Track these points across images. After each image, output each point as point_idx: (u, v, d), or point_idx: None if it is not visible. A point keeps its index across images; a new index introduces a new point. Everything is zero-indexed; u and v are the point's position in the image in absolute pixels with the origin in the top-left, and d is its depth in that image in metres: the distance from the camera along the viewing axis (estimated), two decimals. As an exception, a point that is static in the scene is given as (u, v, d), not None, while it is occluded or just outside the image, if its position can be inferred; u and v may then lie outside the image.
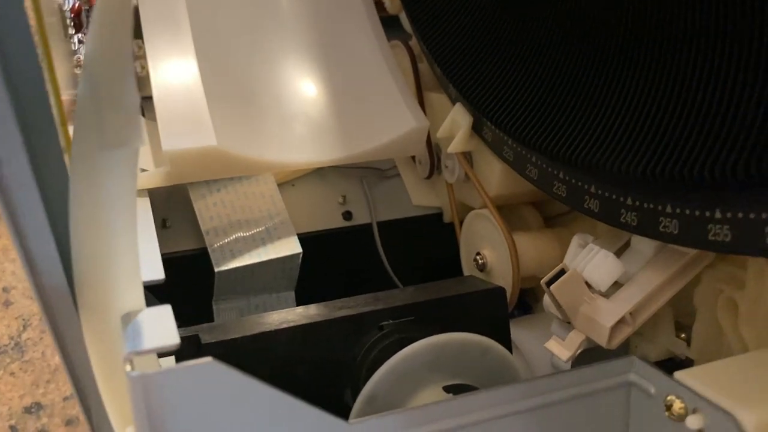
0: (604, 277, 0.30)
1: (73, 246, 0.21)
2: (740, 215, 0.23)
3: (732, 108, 0.22)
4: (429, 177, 0.46)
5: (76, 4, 0.28)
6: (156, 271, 0.28)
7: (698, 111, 0.24)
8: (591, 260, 0.30)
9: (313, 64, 0.45)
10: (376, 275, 0.46)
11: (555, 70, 0.33)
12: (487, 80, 0.37)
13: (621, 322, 0.29)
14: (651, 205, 0.27)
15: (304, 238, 0.42)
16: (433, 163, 0.45)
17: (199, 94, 0.40)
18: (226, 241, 0.41)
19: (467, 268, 0.43)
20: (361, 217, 0.46)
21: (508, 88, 0.35)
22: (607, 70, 0.29)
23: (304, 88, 0.44)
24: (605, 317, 0.29)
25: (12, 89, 0.17)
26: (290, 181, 0.47)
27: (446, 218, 0.47)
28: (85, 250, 0.21)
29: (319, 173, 0.48)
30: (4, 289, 0.50)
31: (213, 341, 0.30)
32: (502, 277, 0.39)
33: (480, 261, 0.40)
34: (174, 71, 0.41)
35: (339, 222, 0.46)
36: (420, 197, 0.47)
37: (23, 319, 0.49)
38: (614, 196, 0.29)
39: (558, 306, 0.30)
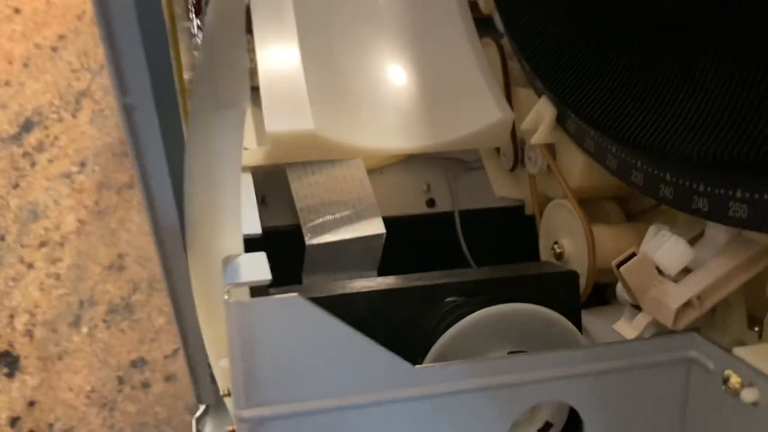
0: (673, 260, 0.30)
1: (186, 192, 0.25)
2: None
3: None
4: (513, 169, 0.48)
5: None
6: (254, 227, 0.31)
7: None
8: (662, 245, 0.31)
9: (405, 56, 0.48)
10: (455, 262, 0.48)
11: (633, 61, 0.34)
12: (570, 72, 0.38)
13: (688, 305, 0.30)
14: (721, 191, 0.28)
15: (388, 221, 0.44)
16: (517, 156, 0.47)
17: (300, 82, 0.43)
18: (318, 219, 0.44)
19: (545, 256, 0.44)
20: (444, 206, 0.49)
21: (589, 78, 0.37)
22: (682, 59, 0.30)
23: (396, 79, 0.47)
24: (672, 299, 0.30)
25: (148, 61, 0.20)
26: (379, 169, 0.50)
27: (528, 210, 0.48)
28: (196, 197, 0.25)
29: (406, 163, 0.51)
30: (119, 255, 0.55)
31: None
32: (579, 266, 0.40)
33: (557, 250, 0.41)
34: (279, 62, 0.45)
35: (422, 208, 0.48)
36: (503, 189, 0.49)
37: (134, 283, 0.54)
38: (687, 183, 0.30)
39: (627, 288, 0.31)
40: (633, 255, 0.32)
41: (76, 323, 0.52)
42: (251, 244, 0.33)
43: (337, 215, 0.44)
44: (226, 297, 0.22)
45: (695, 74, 0.30)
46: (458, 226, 0.48)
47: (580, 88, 0.37)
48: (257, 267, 0.24)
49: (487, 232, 0.48)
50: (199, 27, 0.36)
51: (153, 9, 0.21)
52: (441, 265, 0.48)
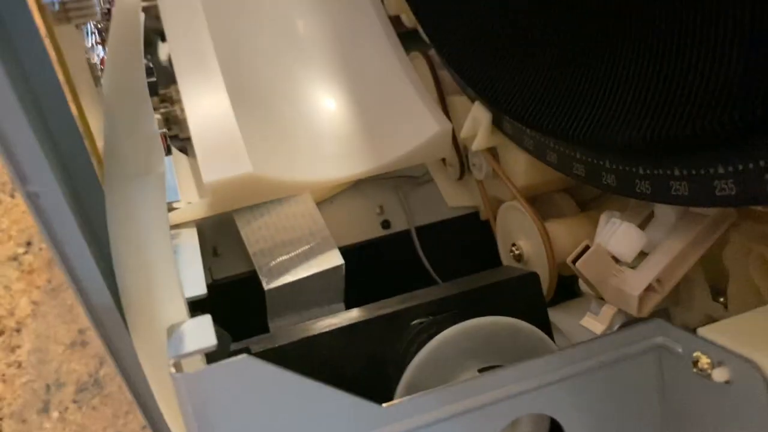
0: (628, 247, 0.30)
1: (116, 267, 0.24)
2: (740, 167, 0.23)
3: (715, 68, 0.23)
4: (461, 178, 0.47)
5: (102, 56, 0.31)
6: (198, 287, 0.30)
7: (690, 73, 0.25)
8: (614, 233, 0.31)
9: (335, 82, 0.47)
10: (420, 279, 0.47)
11: (558, 56, 0.34)
12: (497, 74, 0.38)
13: (649, 289, 0.30)
14: (660, 171, 0.28)
15: (346, 251, 0.44)
16: (463, 164, 0.47)
17: (232, 126, 0.43)
18: (273, 261, 0.43)
19: (506, 262, 0.44)
20: (399, 225, 0.48)
21: (516, 78, 0.36)
22: (604, 47, 0.30)
23: (329, 105, 0.47)
24: (632, 286, 0.29)
25: (49, 136, 0.19)
26: (329, 199, 0.50)
27: (483, 216, 0.48)
28: (127, 271, 0.24)
29: (356, 187, 0.50)
30: (80, 331, 0.54)
31: (261, 350, 0.32)
32: (540, 265, 0.40)
33: (516, 252, 0.41)
34: (207, 108, 0.44)
35: (378, 231, 0.48)
36: (455, 198, 0.49)
37: (99, 357, 0.52)
38: (627, 168, 0.30)
39: (587, 282, 0.31)
40: (587, 248, 0.31)
41: (45, 409, 0.50)
42: (199, 304, 0.32)
43: (292, 254, 0.43)
44: (172, 371, 0.21)
45: (620, 61, 0.30)
46: (417, 244, 0.47)
47: (508, 88, 0.37)
48: (201, 332, 0.23)
49: (446, 245, 0.48)
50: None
51: (47, 82, 0.20)
52: (407, 285, 0.47)
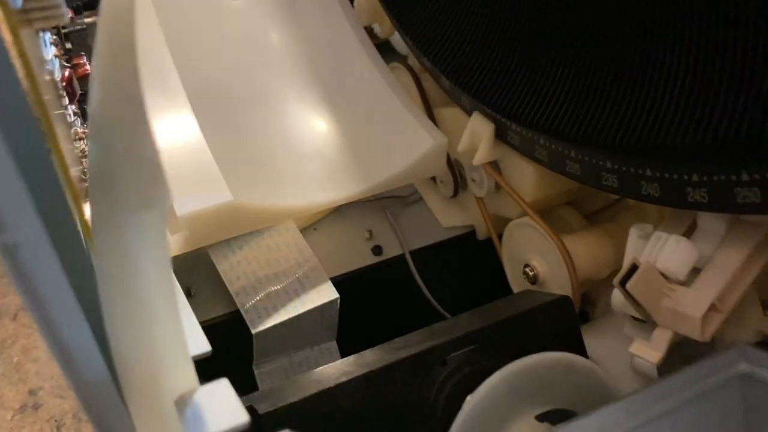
0: (680, 264, 0.27)
1: (109, 330, 0.19)
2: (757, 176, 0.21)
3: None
4: (455, 195, 0.44)
5: (66, 72, 0.26)
6: (201, 344, 0.25)
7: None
8: (662, 249, 0.28)
9: (315, 100, 0.43)
10: (417, 307, 0.43)
11: (560, 58, 0.31)
12: (504, 80, 0.35)
13: (711, 309, 0.26)
14: (722, 177, 0.25)
15: (336, 282, 0.39)
16: (457, 181, 0.43)
17: (204, 151, 0.38)
18: (258, 298, 0.38)
19: (516, 284, 0.40)
20: (391, 250, 0.44)
21: (530, 85, 0.33)
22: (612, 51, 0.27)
23: (312, 126, 0.42)
24: (693, 307, 0.26)
25: (23, 170, 0.15)
26: (312, 225, 0.45)
27: (480, 235, 0.44)
28: (123, 333, 0.19)
29: (340, 212, 0.46)
30: (31, 392, 0.47)
31: (271, 410, 0.27)
32: (559, 286, 0.36)
33: (530, 273, 0.37)
34: (174, 133, 0.39)
35: (369, 258, 0.44)
36: (449, 218, 0.45)
37: (55, 420, 0.46)
38: (677, 176, 0.27)
39: (636, 305, 0.28)
40: (634, 268, 0.28)
41: (-7, 487, 0.43)
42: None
43: (280, 290, 0.39)
44: (197, 460, 0.17)
45: (646, 60, 0.27)
46: (413, 269, 0.43)
47: (520, 98, 0.34)
48: (224, 403, 0.18)
49: (444, 268, 0.44)
50: (76, 113, 0.29)
51: (13, 100, 0.16)
52: (404, 315, 0.43)
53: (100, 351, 0.18)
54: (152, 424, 0.20)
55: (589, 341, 0.36)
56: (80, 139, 0.29)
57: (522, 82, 0.34)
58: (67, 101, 0.28)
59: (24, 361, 0.48)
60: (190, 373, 0.20)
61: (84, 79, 0.29)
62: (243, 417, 0.17)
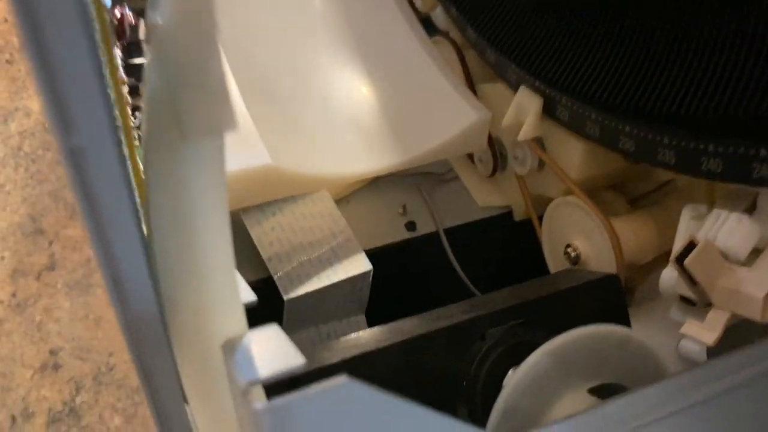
0: (742, 242, 0.26)
1: (160, 264, 0.18)
2: None
3: None
4: (493, 175, 0.43)
5: (117, 11, 0.25)
6: (246, 293, 0.24)
7: None
8: (722, 227, 0.27)
9: (356, 70, 0.42)
10: (449, 286, 0.42)
11: (615, 29, 0.29)
12: (555, 51, 0.33)
13: (773, 290, 0.25)
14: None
15: (369, 255, 0.38)
16: (497, 159, 0.42)
17: (243, 113, 0.37)
18: (291, 266, 0.37)
19: (555, 265, 0.39)
20: (425, 227, 0.43)
21: (575, 57, 0.32)
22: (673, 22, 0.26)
23: (351, 95, 0.41)
24: (754, 287, 0.25)
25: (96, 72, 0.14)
26: (345, 198, 0.44)
27: (517, 216, 0.43)
28: (174, 270, 0.18)
29: (374, 186, 0.45)
30: (52, 352, 0.47)
31: (308, 371, 0.26)
32: (601, 267, 0.35)
33: (572, 253, 0.36)
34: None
35: (403, 234, 0.43)
36: (485, 198, 0.44)
37: (75, 382, 0.45)
38: (741, 150, 0.26)
39: (692, 283, 0.26)
40: (691, 246, 0.27)
41: (10, 444, 0.42)
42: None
43: (313, 259, 0.38)
44: (250, 401, 0.16)
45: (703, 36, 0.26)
46: (447, 247, 0.42)
47: (570, 67, 0.33)
48: (277, 348, 0.17)
49: (477, 248, 0.43)
50: (123, 56, 0.29)
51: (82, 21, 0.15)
52: (435, 293, 0.42)
53: (151, 282, 0.17)
54: (196, 366, 0.19)
55: (634, 327, 0.34)
56: (124, 83, 0.28)
57: (575, 53, 0.33)
58: (115, 39, 0.27)
59: (46, 320, 0.48)
60: (240, 317, 0.19)
61: (134, 28, 0.28)
62: (299, 360, 0.17)
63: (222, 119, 0.16)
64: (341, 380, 0.16)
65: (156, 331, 0.18)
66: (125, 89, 0.30)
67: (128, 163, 0.20)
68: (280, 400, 0.16)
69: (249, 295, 0.24)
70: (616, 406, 0.20)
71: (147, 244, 0.17)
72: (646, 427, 0.20)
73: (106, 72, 0.17)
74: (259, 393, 0.19)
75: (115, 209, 0.14)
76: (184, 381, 0.20)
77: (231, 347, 0.18)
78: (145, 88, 0.18)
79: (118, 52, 0.28)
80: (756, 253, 0.27)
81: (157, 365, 0.19)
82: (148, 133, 0.18)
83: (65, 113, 0.12)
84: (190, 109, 0.16)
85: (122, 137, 0.18)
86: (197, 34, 0.16)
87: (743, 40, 0.25)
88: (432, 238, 0.42)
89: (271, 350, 0.17)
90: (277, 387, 0.17)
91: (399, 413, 0.17)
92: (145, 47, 0.18)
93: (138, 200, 0.19)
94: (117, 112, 0.18)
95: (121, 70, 0.27)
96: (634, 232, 0.35)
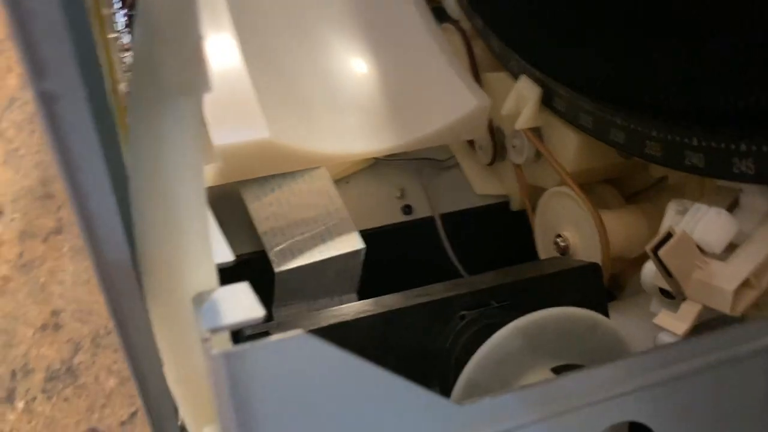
0: (718, 236, 0.26)
1: (135, 219, 0.19)
2: None
3: None
4: (492, 163, 0.43)
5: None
6: (224, 253, 0.25)
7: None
8: (701, 220, 0.27)
9: (361, 50, 0.43)
10: (442, 271, 0.43)
11: (621, 21, 0.30)
12: (554, 42, 0.34)
13: (744, 285, 0.26)
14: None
15: (363, 235, 0.39)
16: (496, 148, 0.43)
17: (246, 86, 0.38)
18: (284, 240, 0.38)
19: (545, 254, 0.40)
20: (421, 211, 0.44)
21: (581, 47, 0.32)
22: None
23: (355, 75, 0.42)
24: (726, 280, 0.25)
25: (71, 21, 0.15)
26: (344, 178, 0.45)
27: (514, 206, 0.44)
28: (149, 224, 0.19)
29: (373, 168, 0.45)
30: (53, 312, 0.48)
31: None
32: (589, 258, 0.36)
33: (561, 243, 0.37)
34: (218, 64, 0.39)
35: (399, 217, 0.43)
36: (483, 186, 0.44)
37: (74, 342, 0.47)
38: (724, 145, 0.26)
39: (667, 274, 0.27)
40: (668, 236, 0.27)
41: (9, 398, 0.44)
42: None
43: (307, 234, 0.39)
44: (208, 347, 0.17)
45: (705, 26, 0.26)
46: (441, 233, 0.43)
47: (567, 58, 0.33)
48: (242, 301, 0.18)
49: (472, 235, 0.43)
50: (127, 23, 0.30)
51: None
52: (426, 277, 0.43)
53: (124, 231, 0.18)
54: (168, 316, 0.20)
55: (614, 318, 0.35)
56: (125, 50, 0.29)
57: (572, 44, 0.33)
58: (120, 4, 0.28)
59: (50, 282, 0.49)
60: (211, 273, 0.20)
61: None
62: (259, 312, 0.17)
63: (196, 80, 0.17)
64: (296, 333, 0.17)
65: (128, 276, 0.19)
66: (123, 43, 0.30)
67: (114, 112, 0.21)
68: (237, 348, 0.17)
69: (226, 255, 0.25)
70: (570, 380, 0.20)
71: (124, 194, 0.18)
72: (600, 404, 0.21)
73: (94, 26, 0.18)
74: (222, 342, 0.20)
75: (85, 156, 0.15)
76: (157, 335, 0.20)
77: (200, 300, 0.19)
78: (132, 44, 0.18)
79: (122, 11, 0.29)
80: (733, 248, 0.27)
81: (131, 313, 0.20)
82: (132, 87, 0.19)
83: (36, 58, 0.13)
84: (166, 67, 0.17)
85: (106, 87, 0.18)
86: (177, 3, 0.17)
87: (729, 33, 0.25)
88: (427, 222, 0.43)
89: (237, 303, 0.18)
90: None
91: (354, 371, 0.18)
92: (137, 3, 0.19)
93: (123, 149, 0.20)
94: (102, 64, 0.19)
95: (118, 25, 0.28)
96: (624, 226, 0.36)
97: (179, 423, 0.25)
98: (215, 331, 0.17)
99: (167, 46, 0.17)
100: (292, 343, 0.17)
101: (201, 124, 0.19)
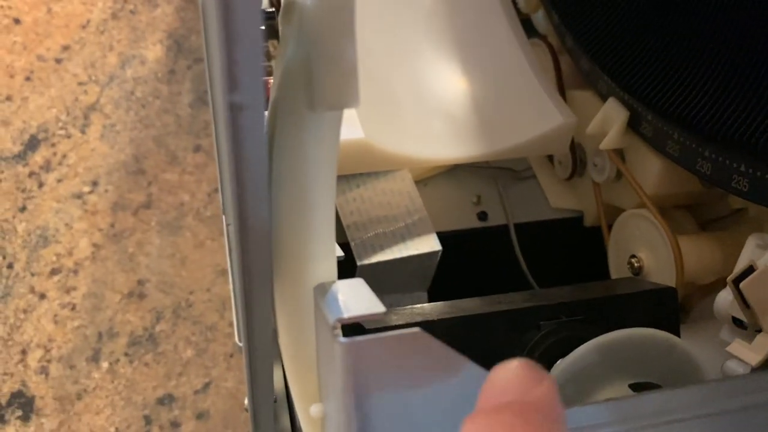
0: (801, 275, 0.27)
1: (273, 212, 0.21)
2: None
3: None
4: (570, 178, 0.45)
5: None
6: (338, 250, 0.27)
7: None
8: (785, 257, 0.28)
9: (451, 60, 0.45)
10: (511, 279, 0.44)
11: (713, 52, 0.31)
12: (648, 68, 0.35)
13: (823, 324, 0.26)
14: None
15: (439, 237, 0.41)
16: (576, 164, 0.44)
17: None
18: (367, 235, 0.40)
19: (617, 273, 0.41)
20: (496, 219, 0.45)
21: (668, 74, 0.33)
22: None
23: (443, 84, 0.44)
24: (805, 319, 0.26)
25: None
26: (422, 181, 0.47)
27: (588, 222, 0.45)
28: (285, 217, 0.21)
29: (451, 173, 0.47)
30: (139, 282, 0.51)
31: (376, 328, 0.29)
32: (661, 281, 0.37)
33: (636, 264, 0.38)
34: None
35: (474, 222, 0.45)
36: (559, 199, 0.46)
37: (157, 312, 0.50)
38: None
39: (744, 306, 0.28)
40: (750, 269, 0.28)
41: (95, 358, 0.47)
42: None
43: (388, 232, 0.41)
44: (337, 335, 0.19)
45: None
46: (515, 241, 0.44)
47: (661, 86, 0.34)
48: (362, 296, 0.20)
49: (543, 247, 0.45)
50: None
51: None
52: (497, 283, 0.44)
53: (269, 232, 0.20)
54: (290, 301, 0.22)
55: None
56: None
57: (666, 71, 0.34)
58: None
59: (137, 253, 0.52)
60: (332, 267, 0.22)
61: None
62: (380, 307, 0.19)
63: (349, 95, 0.19)
64: (415, 330, 0.19)
65: (266, 267, 0.21)
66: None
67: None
68: (362, 338, 0.18)
69: (338, 252, 0.27)
70: (650, 398, 0.22)
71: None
72: (677, 423, 0.22)
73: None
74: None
75: (254, 159, 0.17)
76: (279, 319, 0.23)
77: (322, 290, 0.21)
78: (278, 59, 0.20)
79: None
80: (813, 287, 0.28)
81: (259, 298, 0.22)
82: (278, 98, 0.21)
83: (233, 74, 0.15)
84: (321, 82, 0.19)
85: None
86: (336, 14, 0.19)
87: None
88: (501, 230, 0.45)
89: (357, 297, 0.20)
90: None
91: (464, 371, 0.20)
92: (280, 22, 0.21)
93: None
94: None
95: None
96: (699, 252, 0.37)
97: (274, 397, 0.27)
98: (342, 321, 0.19)
99: (325, 62, 0.19)
100: (410, 337, 0.19)
101: (339, 135, 0.21)
